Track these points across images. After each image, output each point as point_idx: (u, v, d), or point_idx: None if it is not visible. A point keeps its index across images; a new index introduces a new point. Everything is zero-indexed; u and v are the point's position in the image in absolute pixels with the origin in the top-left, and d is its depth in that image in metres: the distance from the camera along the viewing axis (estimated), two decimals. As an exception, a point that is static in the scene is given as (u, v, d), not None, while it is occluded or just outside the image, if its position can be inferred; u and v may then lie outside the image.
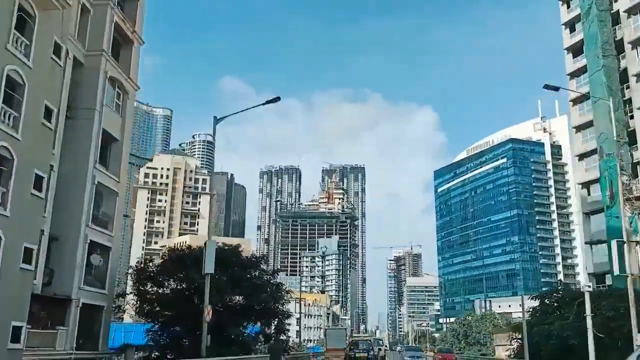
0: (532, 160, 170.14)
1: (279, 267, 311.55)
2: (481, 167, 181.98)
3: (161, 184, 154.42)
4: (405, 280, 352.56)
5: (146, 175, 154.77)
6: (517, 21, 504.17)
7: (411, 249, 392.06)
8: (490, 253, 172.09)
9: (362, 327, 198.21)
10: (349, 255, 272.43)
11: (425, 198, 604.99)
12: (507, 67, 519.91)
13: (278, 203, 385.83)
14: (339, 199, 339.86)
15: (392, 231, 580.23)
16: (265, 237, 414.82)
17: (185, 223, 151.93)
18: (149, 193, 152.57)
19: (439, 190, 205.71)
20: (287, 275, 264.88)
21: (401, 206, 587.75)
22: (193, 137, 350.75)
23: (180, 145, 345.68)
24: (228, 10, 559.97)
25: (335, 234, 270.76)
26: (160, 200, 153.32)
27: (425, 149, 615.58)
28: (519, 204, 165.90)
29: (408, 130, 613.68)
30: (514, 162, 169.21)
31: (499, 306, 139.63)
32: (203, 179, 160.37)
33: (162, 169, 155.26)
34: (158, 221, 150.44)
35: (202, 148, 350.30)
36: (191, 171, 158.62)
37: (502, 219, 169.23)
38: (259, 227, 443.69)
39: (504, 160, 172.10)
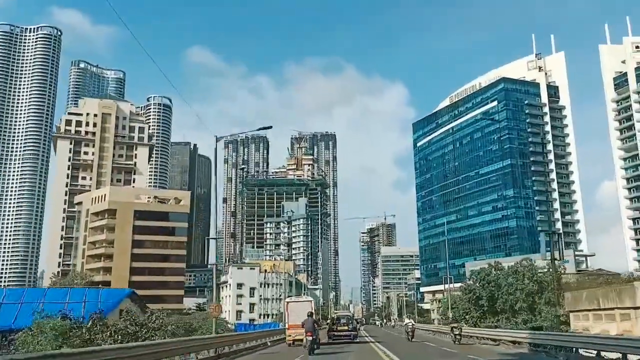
0: (526, 102, 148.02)
1: (244, 239, 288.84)
2: (467, 113, 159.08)
3: (87, 132, 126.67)
4: (379, 252, 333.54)
5: (68, 122, 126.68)
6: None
7: (385, 219, 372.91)
8: (479, 211, 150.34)
9: (331, 296, 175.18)
10: (319, 225, 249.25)
11: (395, 172, 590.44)
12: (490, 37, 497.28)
13: (243, 171, 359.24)
14: (309, 165, 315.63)
15: (364, 205, 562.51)
16: (232, 209, 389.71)
17: (119, 180, 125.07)
18: (71, 144, 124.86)
19: (418, 144, 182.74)
20: (253, 247, 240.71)
21: (373, 180, 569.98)
22: (147, 100, 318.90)
23: (138, 108, 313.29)
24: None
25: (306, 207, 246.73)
26: (86, 153, 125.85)
27: (397, 124, 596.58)
28: (512, 153, 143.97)
29: (379, 105, 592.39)
30: (506, 105, 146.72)
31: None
32: (140, 127, 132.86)
33: (87, 115, 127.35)
34: (84, 177, 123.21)
35: (158, 112, 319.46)
36: (124, 118, 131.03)
37: (493, 171, 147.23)
38: (224, 200, 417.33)
39: (495, 103, 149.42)
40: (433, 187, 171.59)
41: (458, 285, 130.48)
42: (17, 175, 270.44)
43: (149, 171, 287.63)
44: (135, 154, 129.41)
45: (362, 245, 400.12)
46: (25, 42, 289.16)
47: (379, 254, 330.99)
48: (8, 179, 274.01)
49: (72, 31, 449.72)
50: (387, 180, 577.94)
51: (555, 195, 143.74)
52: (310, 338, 25.05)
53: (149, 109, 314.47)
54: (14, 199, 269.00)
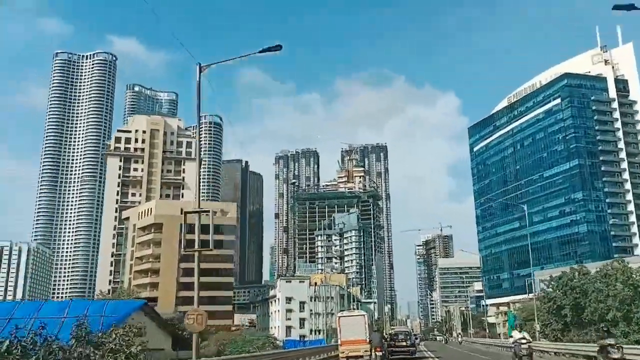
0: (592, 98, 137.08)
1: (297, 254, 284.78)
2: (528, 113, 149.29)
3: (136, 149, 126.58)
4: (436, 264, 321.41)
5: (118, 140, 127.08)
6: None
7: (441, 230, 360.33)
8: (544, 217, 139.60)
9: (386, 310, 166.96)
10: (372, 237, 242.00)
11: (449, 183, 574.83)
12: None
13: (293, 186, 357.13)
14: (360, 177, 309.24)
15: (418, 217, 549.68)
16: (284, 225, 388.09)
17: (168, 196, 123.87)
18: (121, 161, 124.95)
19: (475, 149, 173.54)
20: (305, 262, 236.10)
21: (426, 192, 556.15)
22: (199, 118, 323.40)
23: (186, 128, 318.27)
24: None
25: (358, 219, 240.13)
26: (135, 169, 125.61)
27: (449, 133, 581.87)
28: (580, 153, 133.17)
29: (431, 115, 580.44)
30: (571, 101, 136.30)
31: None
32: (187, 142, 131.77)
33: (137, 131, 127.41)
34: (133, 194, 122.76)
35: (209, 130, 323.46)
36: (172, 133, 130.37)
37: (559, 173, 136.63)
38: (276, 215, 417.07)
39: (558, 101, 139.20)
40: (493, 193, 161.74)
41: (524, 297, 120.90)
42: (77, 196, 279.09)
43: (202, 187, 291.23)
44: (184, 169, 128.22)
45: (418, 259, 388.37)
46: (82, 69, 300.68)
47: (435, 267, 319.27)
48: (68, 200, 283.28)
49: (129, 57, 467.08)
50: (441, 191, 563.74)
51: (630, 196, 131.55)
52: (380, 354, 25.01)
53: (200, 127, 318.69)
54: (74, 219, 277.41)
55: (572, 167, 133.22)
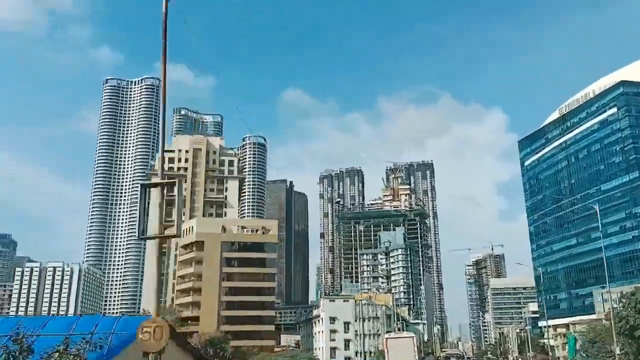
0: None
1: (343, 274, 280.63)
2: (581, 125, 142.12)
3: (179, 168, 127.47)
4: (487, 285, 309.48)
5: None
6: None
7: (492, 249, 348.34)
8: (605, 232, 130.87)
9: (435, 331, 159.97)
10: (420, 256, 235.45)
11: (499, 201, 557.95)
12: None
13: (338, 205, 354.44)
14: (406, 195, 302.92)
15: (467, 237, 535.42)
16: (330, 245, 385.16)
17: (210, 214, 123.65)
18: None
19: (526, 163, 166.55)
20: (351, 282, 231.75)
21: (475, 211, 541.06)
22: (243, 139, 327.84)
23: (231, 149, 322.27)
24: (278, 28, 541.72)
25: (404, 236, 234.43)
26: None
27: (497, 151, 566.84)
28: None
29: (478, 132, 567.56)
30: (628, 110, 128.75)
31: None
32: (229, 161, 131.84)
33: (180, 151, 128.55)
34: (191, 220, 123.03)
35: (253, 151, 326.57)
36: (214, 152, 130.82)
37: (618, 186, 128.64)
38: (322, 235, 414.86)
39: (614, 110, 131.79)
40: (547, 209, 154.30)
41: (585, 317, 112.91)
42: (127, 218, 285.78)
43: (247, 207, 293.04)
44: (226, 187, 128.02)
45: (469, 279, 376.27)
46: (131, 94, 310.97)
47: (487, 287, 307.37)
48: (118, 222, 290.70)
49: (177, 83, 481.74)
50: (490, 210, 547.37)
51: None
52: None
53: (245, 148, 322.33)
54: (124, 240, 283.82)
55: (632, 179, 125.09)
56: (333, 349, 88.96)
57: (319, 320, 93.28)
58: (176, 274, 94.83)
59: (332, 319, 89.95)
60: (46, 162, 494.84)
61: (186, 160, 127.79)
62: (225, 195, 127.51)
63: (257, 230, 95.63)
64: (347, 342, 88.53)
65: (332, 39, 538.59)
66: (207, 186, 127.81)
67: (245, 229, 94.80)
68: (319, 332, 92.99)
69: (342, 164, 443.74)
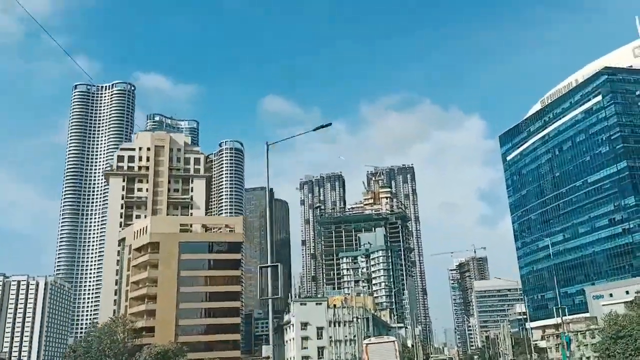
0: (638, 93, 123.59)
1: (324, 281, 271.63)
2: (565, 115, 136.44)
3: (140, 167, 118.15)
4: (471, 288, 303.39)
5: (121, 159, 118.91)
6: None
7: (474, 252, 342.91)
8: (592, 227, 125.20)
9: (417, 332, 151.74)
10: (403, 260, 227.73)
11: (480, 207, 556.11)
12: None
13: (319, 210, 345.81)
14: (387, 198, 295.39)
15: (449, 243, 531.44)
16: (311, 252, 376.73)
17: (175, 216, 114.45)
18: (124, 181, 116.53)
19: (508, 159, 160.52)
20: (333, 289, 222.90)
21: (456, 217, 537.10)
22: (220, 145, 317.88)
23: (207, 156, 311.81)
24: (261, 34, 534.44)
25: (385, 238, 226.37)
26: (140, 189, 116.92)
27: (477, 157, 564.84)
28: (628, 153, 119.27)
29: (458, 138, 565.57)
30: (614, 98, 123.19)
31: (627, 292, 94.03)
32: (195, 159, 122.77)
33: (140, 149, 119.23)
34: (138, 216, 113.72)
35: (230, 156, 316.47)
36: (179, 150, 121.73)
37: (605, 177, 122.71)
38: (303, 242, 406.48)
39: (598, 98, 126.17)
40: (531, 204, 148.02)
41: (578, 316, 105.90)
42: (98, 229, 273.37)
43: (225, 214, 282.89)
44: (192, 187, 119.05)
45: (452, 283, 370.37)
46: (101, 100, 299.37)
47: (471, 291, 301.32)
48: (90, 233, 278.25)
49: (153, 91, 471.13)
50: (471, 215, 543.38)
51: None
52: None
53: (222, 154, 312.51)
54: (96, 252, 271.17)
55: (620, 169, 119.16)
56: (305, 358, 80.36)
57: (289, 327, 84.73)
58: (130, 280, 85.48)
59: (304, 325, 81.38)
60: (27, 176, 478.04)
61: (148, 159, 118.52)
62: (191, 196, 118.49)
63: (220, 229, 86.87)
64: (320, 350, 80.00)
65: (318, 48, 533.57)
66: (171, 186, 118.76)
67: (208, 230, 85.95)
68: (290, 339, 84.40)
69: (323, 171, 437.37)
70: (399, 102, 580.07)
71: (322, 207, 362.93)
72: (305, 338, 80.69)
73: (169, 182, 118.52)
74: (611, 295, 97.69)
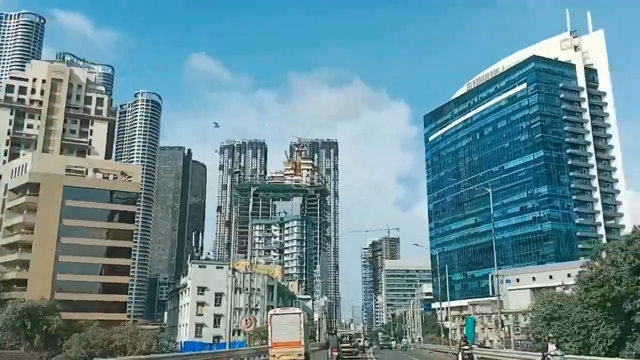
0: (561, 85, 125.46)
1: (237, 249, 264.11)
2: (490, 100, 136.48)
3: (32, 101, 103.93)
4: (382, 267, 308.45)
5: (10, 89, 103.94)
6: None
7: (388, 232, 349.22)
8: (504, 213, 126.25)
9: (322, 303, 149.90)
10: (318, 234, 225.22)
11: (398, 190, 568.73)
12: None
13: (238, 176, 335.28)
14: (308, 170, 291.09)
15: (365, 222, 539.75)
16: (227, 219, 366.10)
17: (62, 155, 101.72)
18: (12, 114, 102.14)
19: (430, 139, 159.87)
20: (245, 257, 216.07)
21: (374, 197, 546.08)
22: (135, 95, 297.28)
23: (121, 106, 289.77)
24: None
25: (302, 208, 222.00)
26: (30, 126, 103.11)
27: (398, 141, 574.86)
28: (546, 144, 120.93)
29: (385, 120, 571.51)
30: (538, 87, 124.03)
31: (533, 278, 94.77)
32: (98, 98, 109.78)
33: (34, 80, 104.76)
34: (25, 155, 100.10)
35: (146, 109, 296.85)
36: (80, 86, 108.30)
37: (522, 165, 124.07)
38: (219, 209, 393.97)
39: (523, 86, 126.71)
40: (448, 186, 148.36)
41: (483, 299, 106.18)
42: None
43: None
44: (91, 130, 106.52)
45: (364, 261, 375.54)
46: (5, 29, 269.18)
47: (382, 269, 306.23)
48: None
49: (75, 33, 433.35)
50: (388, 197, 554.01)
51: (597, 194, 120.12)
52: (336, 354, 30.50)
53: (137, 105, 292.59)
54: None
55: (536, 158, 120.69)
56: (199, 326, 73.40)
57: (185, 291, 77.26)
58: (2, 224, 73.88)
59: (202, 289, 74.24)
60: None
61: (42, 92, 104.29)
62: (90, 140, 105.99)
63: (116, 177, 76.97)
64: (217, 318, 73.28)
65: (251, 15, 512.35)
66: (68, 126, 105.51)
67: (97, 172, 75.70)
68: (184, 304, 77.04)
69: (249, 137, 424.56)
70: (332, 78, 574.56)
71: (242, 174, 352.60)
72: (201, 304, 73.66)
73: (65, 121, 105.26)
74: (518, 280, 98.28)
